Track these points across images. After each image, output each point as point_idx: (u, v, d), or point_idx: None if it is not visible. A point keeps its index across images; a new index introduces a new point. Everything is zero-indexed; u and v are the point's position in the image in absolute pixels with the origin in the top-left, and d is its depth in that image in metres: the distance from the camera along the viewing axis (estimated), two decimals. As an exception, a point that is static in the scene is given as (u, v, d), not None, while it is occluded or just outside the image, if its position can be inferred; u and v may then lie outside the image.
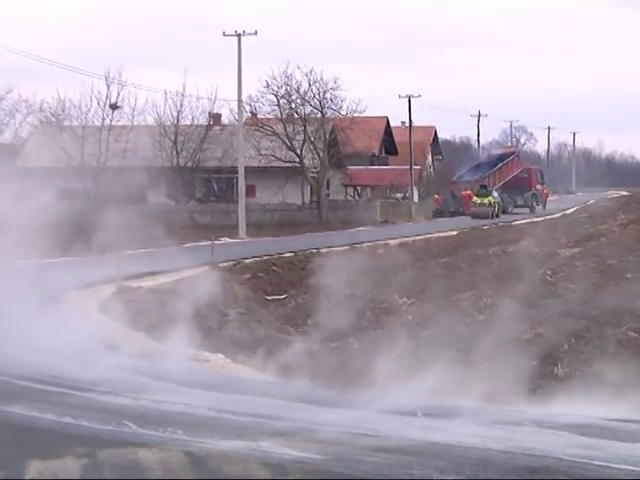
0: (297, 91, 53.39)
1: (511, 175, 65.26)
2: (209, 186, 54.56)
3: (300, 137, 52.77)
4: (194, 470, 6.80)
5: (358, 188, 63.03)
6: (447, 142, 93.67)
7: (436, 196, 61.70)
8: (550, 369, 12.54)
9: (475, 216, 53.76)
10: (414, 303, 16.63)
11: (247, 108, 52.15)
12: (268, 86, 52.99)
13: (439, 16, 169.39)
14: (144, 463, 6.90)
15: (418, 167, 65.00)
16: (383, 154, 71.62)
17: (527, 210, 62.35)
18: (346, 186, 61.47)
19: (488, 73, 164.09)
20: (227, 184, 53.43)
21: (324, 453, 7.15)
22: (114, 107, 49.27)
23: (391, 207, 57.84)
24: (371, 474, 6.69)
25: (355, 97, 56.66)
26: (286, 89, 53.32)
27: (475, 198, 57.06)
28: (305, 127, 52.72)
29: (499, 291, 17.19)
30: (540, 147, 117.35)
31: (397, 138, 70.69)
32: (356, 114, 53.59)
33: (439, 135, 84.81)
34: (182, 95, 51.58)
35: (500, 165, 65.34)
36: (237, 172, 45.60)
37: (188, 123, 52.26)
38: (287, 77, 53.03)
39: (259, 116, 54.47)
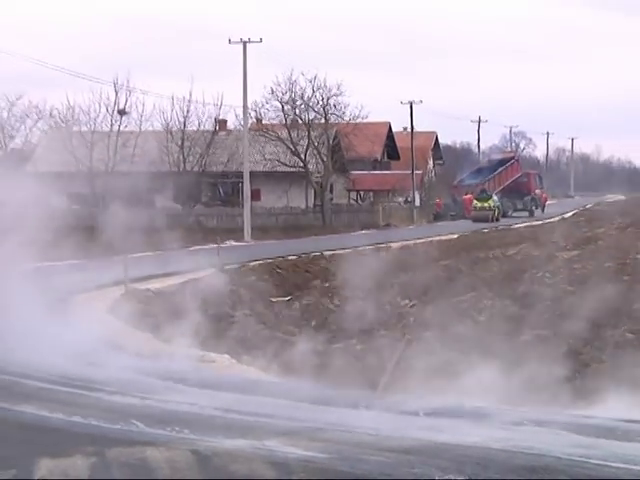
0: (301, 97, 53.73)
1: (511, 179, 65.58)
2: (215, 190, 54.76)
3: (304, 142, 53.08)
4: (200, 468, 6.83)
5: (361, 192, 63.34)
6: (448, 147, 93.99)
7: (437, 200, 61.90)
8: (549, 370, 12.60)
9: (475, 220, 54.19)
10: (416, 305, 16.73)
11: (252, 114, 52.78)
12: (273, 92, 53.47)
13: (439, 24, 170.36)
14: (151, 461, 6.95)
15: (420, 172, 65.13)
16: (385, 159, 71.99)
17: (526, 214, 62.62)
18: (349, 190, 61.79)
19: (488, 80, 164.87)
20: (233, 188, 53.59)
21: (328, 452, 7.19)
22: (122, 113, 49.57)
23: (393, 211, 58.04)
24: (374, 473, 6.73)
25: (358, 103, 57.46)
26: (290, 95, 53.67)
27: (475, 202, 57.50)
28: (309, 132, 53.00)
29: (499, 293, 17.32)
30: (539, 152, 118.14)
31: (399, 143, 70.95)
32: (359, 120, 53.90)
33: (440, 140, 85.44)
34: (189, 101, 51.86)
35: (500, 170, 65.69)
36: (242, 176, 45.82)
37: (194, 129, 52.47)
38: (291, 84, 53.43)
39: (264, 122, 54.81)
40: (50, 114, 50.25)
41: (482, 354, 12.96)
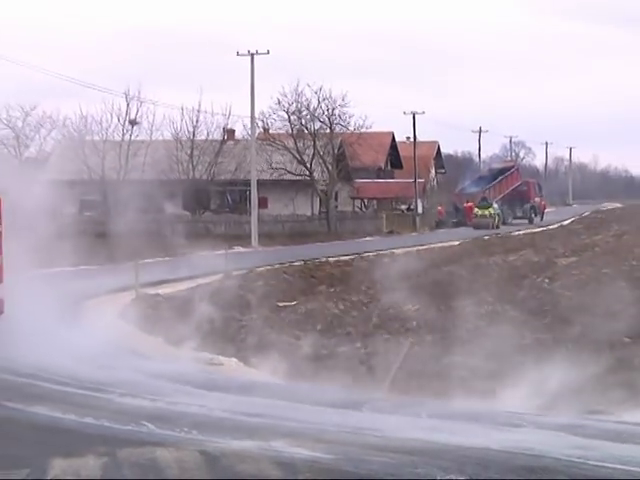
0: (307, 108, 54.15)
1: (511, 188, 65.89)
2: (223, 198, 55.05)
3: (310, 151, 53.48)
4: (209, 469, 6.90)
5: (365, 200, 63.75)
6: (450, 156, 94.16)
7: (439, 208, 62.13)
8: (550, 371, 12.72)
9: (476, 227, 54.69)
10: (419, 309, 16.89)
11: (259, 124, 53.24)
12: (279, 103, 53.90)
13: (441, 37, 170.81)
14: (161, 462, 7.04)
15: (422, 180, 65.29)
16: (389, 168, 72.47)
17: (526, 221, 62.90)
18: (354, 198, 62.17)
19: (489, 91, 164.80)
20: (240, 196, 53.84)
21: (333, 453, 7.28)
22: (133, 123, 49.93)
23: (396, 218, 58.36)
24: (379, 473, 6.81)
25: (362, 113, 57.54)
26: (296, 106, 54.08)
27: (476, 210, 58.05)
28: (315, 142, 53.42)
29: (500, 298, 17.47)
30: (538, 161, 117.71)
31: (402, 152, 71.18)
32: (363, 130, 54.31)
33: (442, 150, 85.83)
34: (198, 111, 52.27)
35: (500, 178, 66.07)
36: (250, 185, 46.25)
37: (203, 138, 52.79)
38: (297, 94, 53.84)
39: (271, 131, 55.29)
40: (63, 124, 50.79)
41: (483, 357, 13.12)
